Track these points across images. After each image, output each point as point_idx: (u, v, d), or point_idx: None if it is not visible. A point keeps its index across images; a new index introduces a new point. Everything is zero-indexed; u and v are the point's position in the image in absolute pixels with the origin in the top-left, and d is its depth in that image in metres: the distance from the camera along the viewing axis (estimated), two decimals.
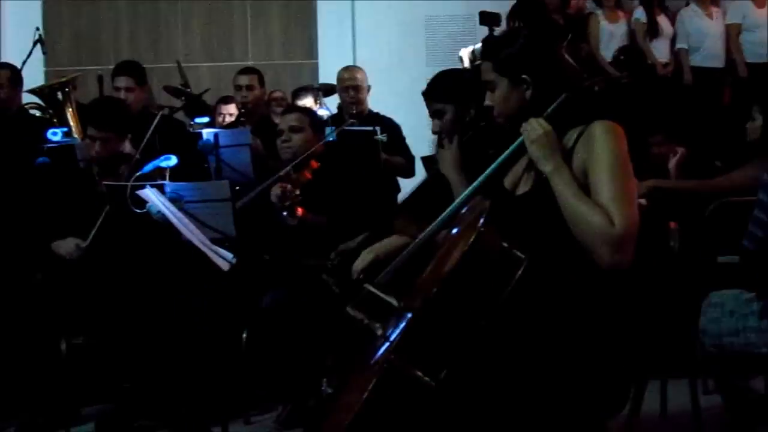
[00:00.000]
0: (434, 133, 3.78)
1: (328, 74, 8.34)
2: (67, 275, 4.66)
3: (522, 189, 2.78)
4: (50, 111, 6.76)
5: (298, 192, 4.42)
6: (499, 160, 2.73)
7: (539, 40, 2.80)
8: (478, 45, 6.73)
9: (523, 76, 2.73)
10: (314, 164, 4.74)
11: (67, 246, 4.68)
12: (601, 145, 2.62)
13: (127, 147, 4.93)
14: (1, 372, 4.72)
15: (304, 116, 5.03)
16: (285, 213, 4.39)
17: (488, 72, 2.80)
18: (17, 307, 4.71)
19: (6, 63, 6.63)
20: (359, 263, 3.45)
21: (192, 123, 6.97)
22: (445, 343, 2.46)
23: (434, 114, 3.72)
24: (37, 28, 7.82)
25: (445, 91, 3.72)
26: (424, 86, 3.80)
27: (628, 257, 2.55)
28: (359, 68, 6.76)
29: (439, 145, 3.69)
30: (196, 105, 7.38)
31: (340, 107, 6.75)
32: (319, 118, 5.40)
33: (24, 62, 7.15)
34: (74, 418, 4.75)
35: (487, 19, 6.26)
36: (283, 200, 4.42)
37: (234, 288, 4.44)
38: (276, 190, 4.51)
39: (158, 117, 5.41)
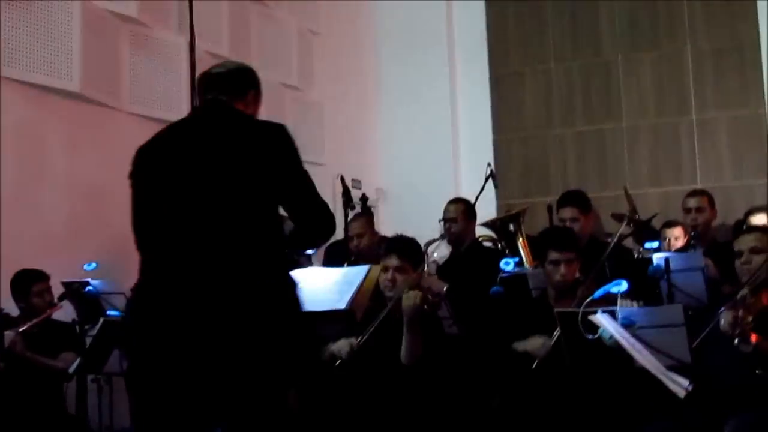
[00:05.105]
0: None
1: None
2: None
3: None
4: (502, 242, 7.00)
5: (750, 319, 4.12)
6: None
7: None
8: None
9: None
10: None
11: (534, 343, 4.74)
12: None
13: (577, 274, 4.99)
14: None
15: (765, 236, 4.72)
16: (737, 340, 4.12)
17: None
18: None
19: (460, 198, 6.97)
20: None
21: (641, 249, 6.89)
22: None
23: None
24: (489, 164, 8.21)
25: None
26: None
27: None
28: None
29: None
30: (644, 230, 7.29)
31: None
32: None
33: (477, 197, 7.49)
34: None
35: None
36: (734, 327, 4.15)
37: (692, 413, 4.25)
38: (726, 317, 4.21)
39: (610, 247, 5.39)
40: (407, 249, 5.05)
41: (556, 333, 4.52)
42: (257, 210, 3.17)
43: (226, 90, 3.41)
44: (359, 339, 4.68)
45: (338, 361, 4.70)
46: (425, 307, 4.66)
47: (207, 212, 3.13)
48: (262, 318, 3.06)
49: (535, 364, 4.63)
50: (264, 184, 3.17)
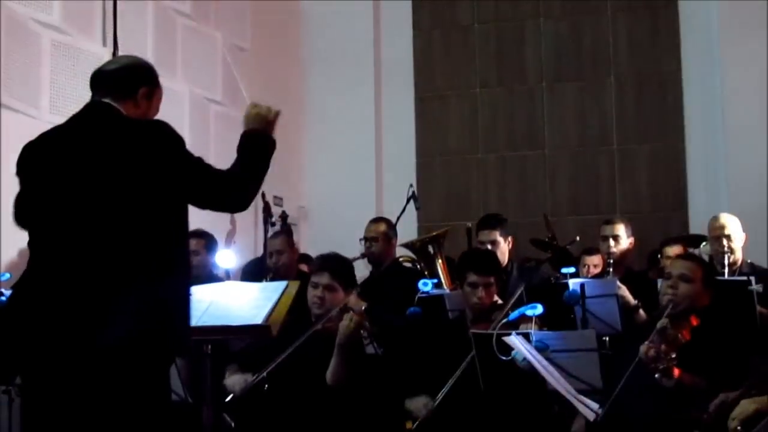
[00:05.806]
0: None
1: (698, 225, 8.10)
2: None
3: None
4: (421, 263, 7.03)
5: (673, 356, 4.15)
6: None
7: None
8: None
9: None
10: (694, 321, 4.42)
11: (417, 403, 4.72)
12: None
13: (495, 298, 5.04)
14: None
15: (697, 267, 4.77)
16: (658, 375, 4.15)
17: None
18: None
19: (382, 217, 7.00)
20: (739, 412, 3.20)
21: (558, 274, 6.97)
22: None
23: None
24: (411, 185, 8.25)
25: None
26: None
27: None
28: (732, 217, 6.47)
29: None
30: (562, 256, 7.38)
31: (710, 257, 6.48)
32: (712, 272, 5.10)
33: (398, 217, 7.51)
34: None
35: None
36: (657, 362, 4.17)
37: None
38: (649, 352, 4.21)
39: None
40: (340, 268, 5.01)
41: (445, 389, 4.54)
42: (128, 217, 3.08)
43: (114, 89, 3.31)
44: (255, 378, 4.55)
45: (230, 396, 4.59)
46: (361, 331, 4.63)
47: (70, 221, 3.09)
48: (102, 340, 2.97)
49: (415, 424, 4.60)
50: (141, 188, 3.09)
